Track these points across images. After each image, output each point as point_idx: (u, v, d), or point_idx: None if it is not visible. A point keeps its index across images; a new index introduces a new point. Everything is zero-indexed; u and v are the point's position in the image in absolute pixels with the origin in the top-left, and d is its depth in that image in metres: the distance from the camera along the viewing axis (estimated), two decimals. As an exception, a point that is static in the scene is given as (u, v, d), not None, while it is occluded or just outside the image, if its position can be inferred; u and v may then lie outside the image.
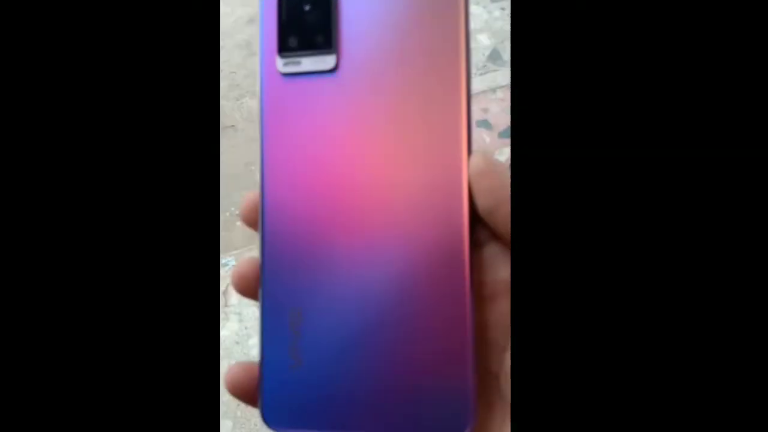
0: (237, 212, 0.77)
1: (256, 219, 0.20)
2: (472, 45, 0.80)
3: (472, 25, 0.81)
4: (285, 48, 0.19)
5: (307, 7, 0.19)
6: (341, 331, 0.19)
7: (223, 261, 0.70)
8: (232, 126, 0.78)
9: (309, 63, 0.19)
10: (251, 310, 0.66)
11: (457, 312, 0.18)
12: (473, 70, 0.77)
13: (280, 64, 0.19)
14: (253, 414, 0.60)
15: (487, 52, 0.79)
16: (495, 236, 0.19)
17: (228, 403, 0.61)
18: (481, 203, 0.18)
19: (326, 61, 0.19)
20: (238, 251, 0.75)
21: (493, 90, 0.75)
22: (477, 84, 0.76)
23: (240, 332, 0.68)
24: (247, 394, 0.20)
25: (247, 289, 0.20)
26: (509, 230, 0.18)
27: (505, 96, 0.75)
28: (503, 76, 0.77)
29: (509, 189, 0.17)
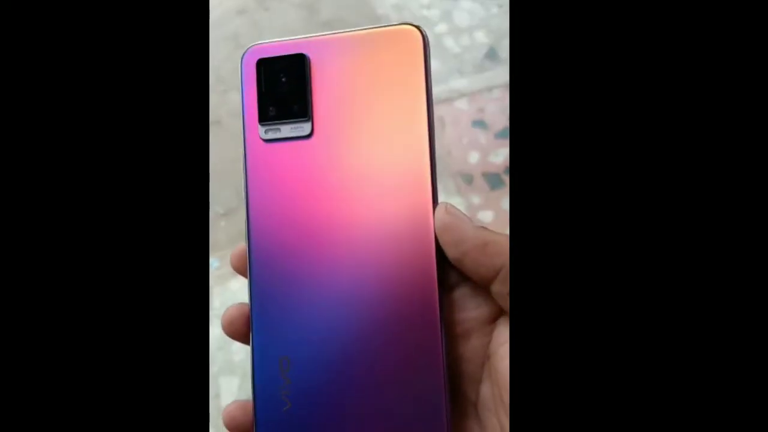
0: (222, 212, 0.75)
1: (245, 269, 0.22)
2: (468, 43, 0.78)
3: (469, 22, 0.79)
4: (265, 117, 0.22)
5: (283, 79, 0.22)
6: (327, 375, 0.21)
7: (205, 263, 0.68)
8: (218, 122, 0.75)
9: (287, 130, 0.22)
10: (234, 315, 0.64)
11: (431, 350, 0.20)
12: (469, 69, 0.75)
13: (262, 132, 0.22)
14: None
15: (483, 50, 0.77)
16: (464, 279, 0.21)
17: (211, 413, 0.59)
18: (450, 254, 0.20)
19: (303, 128, 0.22)
20: (222, 252, 0.72)
21: (490, 89, 0.73)
22: (473, 83, 0.74)
23: (223, 337, 0.66)
24: (243, 430, 0.21)
25: (236, 333, 0.22)
26: (476, 274, 0.20)
27: (501, 95, 0.73)
28: (500, 74, 0.75)
29: (472, 240, 0.20)
